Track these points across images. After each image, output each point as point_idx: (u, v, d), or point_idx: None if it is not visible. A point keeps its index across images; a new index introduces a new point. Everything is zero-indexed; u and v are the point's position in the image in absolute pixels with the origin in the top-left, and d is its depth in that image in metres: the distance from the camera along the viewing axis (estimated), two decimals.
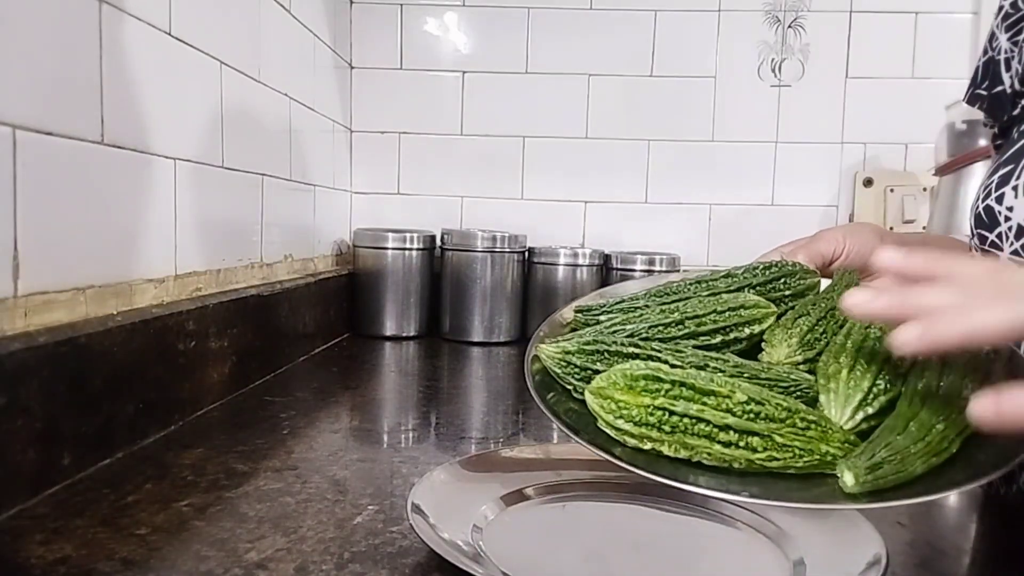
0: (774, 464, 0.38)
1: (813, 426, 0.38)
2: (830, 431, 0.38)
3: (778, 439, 0.37)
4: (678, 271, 1.39)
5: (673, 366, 0.41)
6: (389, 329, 1.33)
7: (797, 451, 0.38)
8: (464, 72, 1.48)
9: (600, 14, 1.46)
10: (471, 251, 1.32)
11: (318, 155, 1.28)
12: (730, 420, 0.37)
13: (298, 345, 1.09)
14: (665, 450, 0.39)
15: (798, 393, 0.42)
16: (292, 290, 1.05)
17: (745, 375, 0.42)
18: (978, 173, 1.18)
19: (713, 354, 0.45)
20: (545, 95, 1.47)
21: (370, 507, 0.55)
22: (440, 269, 1.36)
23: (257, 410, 0.81)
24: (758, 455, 0.38)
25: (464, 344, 1.32)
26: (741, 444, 0.38)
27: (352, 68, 1.47)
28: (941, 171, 1.24)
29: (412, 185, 1.50)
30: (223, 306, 0.82)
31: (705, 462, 0.39)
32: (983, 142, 1.18)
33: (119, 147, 0.66)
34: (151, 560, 0.45)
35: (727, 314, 0.48)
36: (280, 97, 1.07)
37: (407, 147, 1.49)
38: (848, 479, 0.35)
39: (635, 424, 0.39)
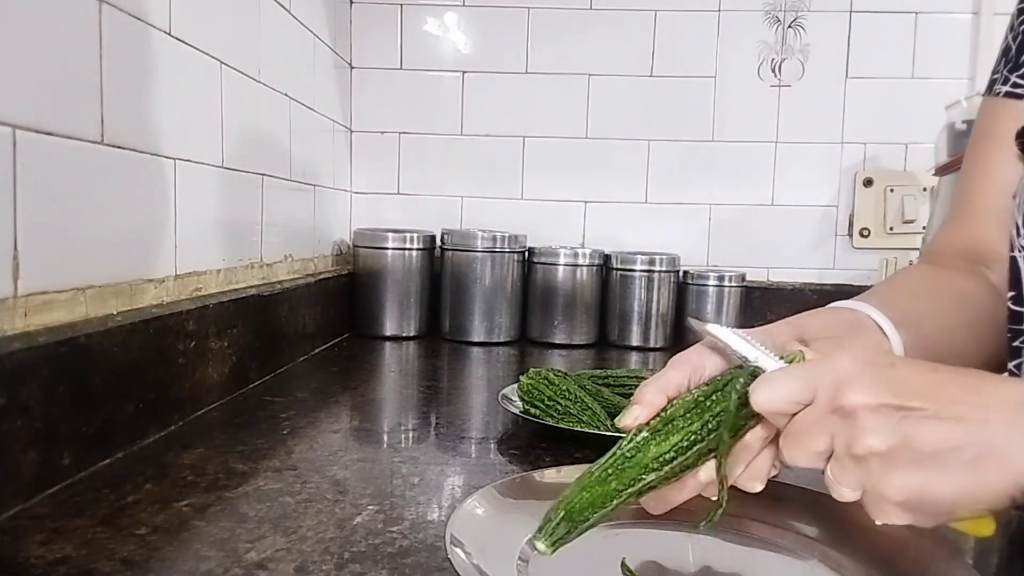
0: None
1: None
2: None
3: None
4: (677, 271, 1.39)
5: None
6: (389, 329, 1.33)
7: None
8: (464, 72, 1.48)
9: (600, 14, 1.46)
10: (471, 251, 1.32)
11: (318, 155, 1.28)
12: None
13: (298, 345, 1.09)
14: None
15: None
16: (292, 290, 1.05)
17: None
18: None
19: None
20: (545, 95, 1.47)
21: (370, 507, 0.55)
22: (440, 269, 1.36)
23: (257, 410, 0.81)
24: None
25: (464, 344, 1.32)
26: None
27: (352, 68, 1.47)
28: (941, 171, 1.24)
29: (412, 185, 1.50)
30: (223, 306, 0.82)
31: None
32: None
33: (119, 147, 0.66)
34: (151, 560, 0.45)
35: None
36: (280, 97, 1.07)
37: (407, 147, 1.50)
38: (540, 546, 0.42)
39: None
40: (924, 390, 0.36)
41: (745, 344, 0.44)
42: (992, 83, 0.61)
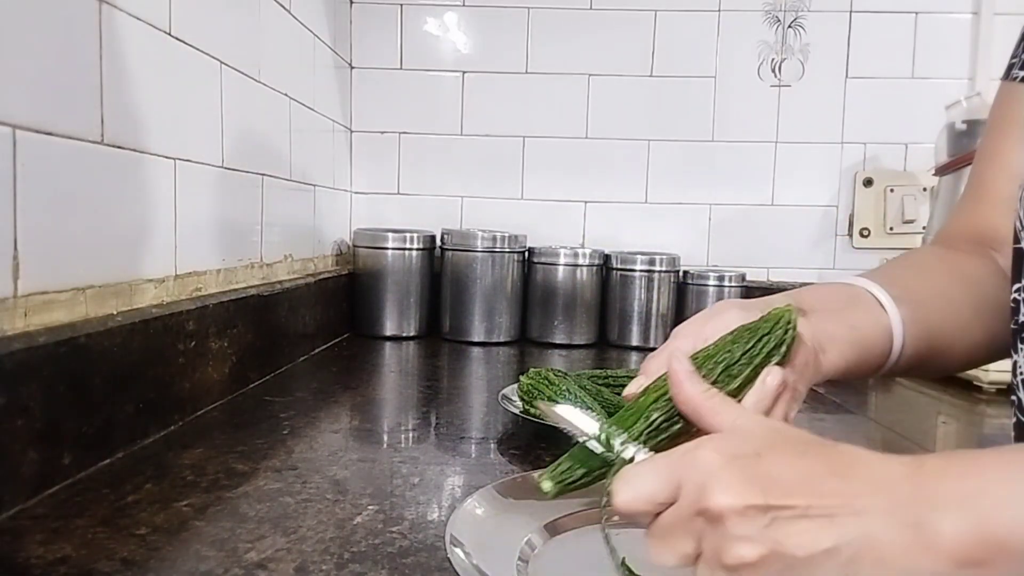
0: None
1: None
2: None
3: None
4: (677, 271, 1.39)
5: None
6: (389, 329, 1.33)
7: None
8: (464, 72, 1.48)
9: (600, 14, 1.46)
10: (471, 251, 1.32)
11: (318, 155, 1.28)
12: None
13: (298, 345, 1.09)
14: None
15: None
16: (292, 290, 1.05)
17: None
18: None
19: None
20: (545, 95, 1.47)
21: (370, 507, 0.55)
22: (440, 269, 1.36)
23: (257, 410, 0.81)
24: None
25: (464, 344, 1.32)
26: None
27: (352, 68, 1.47)
28: (941, 171, 1.25)
29: (412, 185, 1.50)
30: (223, 306, 0.82)
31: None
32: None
33: (119, 147, 0.66)
34: (151, 560, 0.45)
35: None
36: (280, 97, 1.07)
37: (407, 147, 1.50)
38: (545, 486, 0.44)
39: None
40: (793, 485, 0.34)
41: (590, 422, 0.45)
42: (1009, 68, 0.61)
